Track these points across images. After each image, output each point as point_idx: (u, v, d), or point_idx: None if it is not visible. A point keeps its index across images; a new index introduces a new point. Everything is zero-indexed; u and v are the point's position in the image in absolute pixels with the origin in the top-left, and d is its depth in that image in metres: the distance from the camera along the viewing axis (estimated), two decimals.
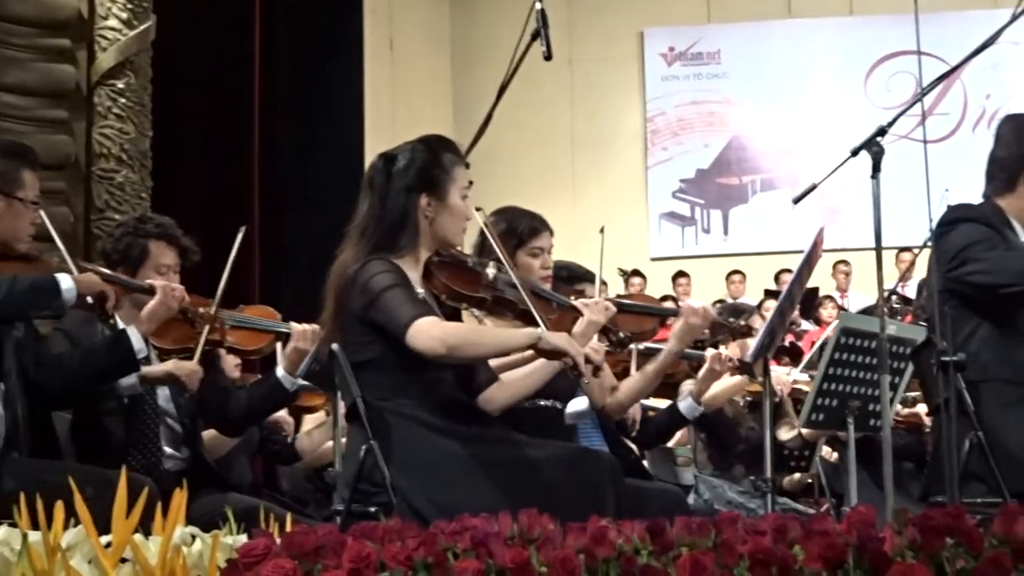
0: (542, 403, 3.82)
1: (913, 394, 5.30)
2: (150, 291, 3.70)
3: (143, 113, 6.78)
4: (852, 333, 4.12)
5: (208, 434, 4.27)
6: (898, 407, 5.28)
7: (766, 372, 4.03)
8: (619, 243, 10.91)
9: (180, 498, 2.22)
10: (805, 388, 5.15)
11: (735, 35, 14.23)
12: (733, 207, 14.20)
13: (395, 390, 3.15)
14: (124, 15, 6.70)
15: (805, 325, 11.38)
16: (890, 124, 3.37)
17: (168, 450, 3.88)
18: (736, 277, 12.76)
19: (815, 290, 11.58)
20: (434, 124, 8.77)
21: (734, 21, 14.17)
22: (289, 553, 1.94)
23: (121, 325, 3.72)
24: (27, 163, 3.59)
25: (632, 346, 4.22)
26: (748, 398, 5.45)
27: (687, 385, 4.66)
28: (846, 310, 10.52)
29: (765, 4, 14.20)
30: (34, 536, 2.10)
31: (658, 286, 12.08)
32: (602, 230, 4.41)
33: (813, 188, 3.53)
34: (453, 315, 3.41)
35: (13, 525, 2.15)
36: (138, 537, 2.15)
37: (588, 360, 3.07)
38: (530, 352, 3.19)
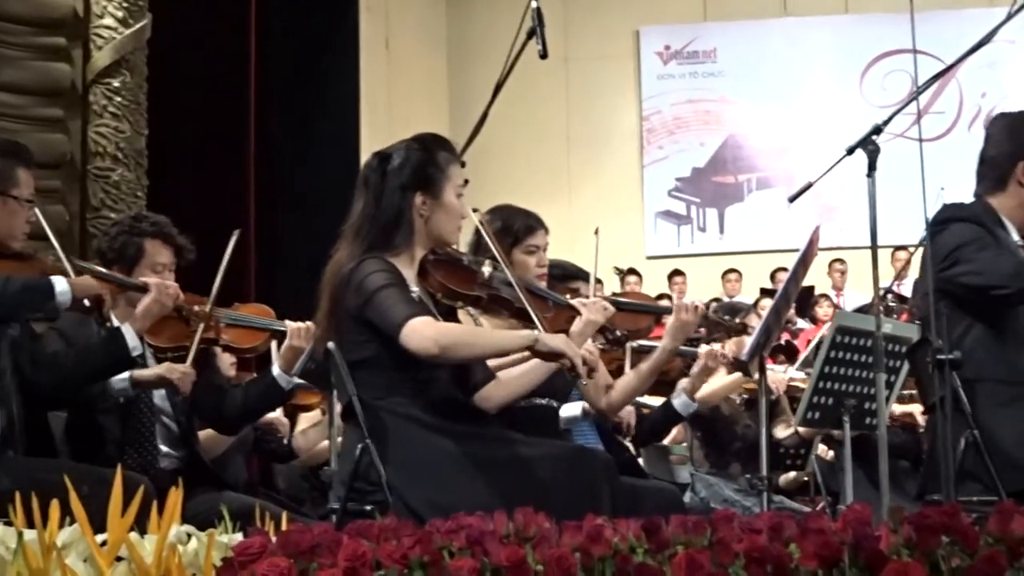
0: (538, 402, 3.82)
1: (910, 392, 5.30)
2: (145, 289, 3.69)
3: (139, 111, 6.78)
4: (848, 331, 4.12)
5: (205, 434, 4.26)
6: (894, 407, 5.28)
7: (762, 370, 4.03)
8: (615, 242, 10.92)
9: (176, 497, 2.22)
10: (802, 386, 5.16)
11: (731, 34, 14.23)
12: (729, 206, 14.20)
13: (390, 389, 3.15)
14: (119, 13, 6.70)
15: (801, 323, 11.39)
16: (886, 122, 3.37)
17: (164, 449, 3.87)
18: (732, 276, 12.77)
19: (811, 288, 11.58)
20: (430, 123, 8.76)
21: (730, 19, 14.16)
22: (285, 552, 1.94)
23: (116, 323, 3.72)
24: (22, 161, 3.59)
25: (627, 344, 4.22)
26: (745, 396, 5.46)
27: (683, 382, 4.66)
28: (842, 308, 10.52)
29: (761, 3, 14.20)
30: (30, 535, 2.10)
31: (654, 285, 12.07)
32: (597, 232, 4.42)
33: (809, 187, 3.53)
34: (449, 314, 3.40)
35: (9, 524, 2.15)
36: (134, 536, 2.15)
37: (583, 361, 3.08)
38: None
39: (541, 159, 13.72)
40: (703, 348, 4.51)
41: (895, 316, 7.12)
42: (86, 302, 3.45)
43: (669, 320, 4.03)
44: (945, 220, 3.70)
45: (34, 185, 3.63)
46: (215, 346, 4.06)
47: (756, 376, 4.09)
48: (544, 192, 12.08)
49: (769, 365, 4.59)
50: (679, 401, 4.57)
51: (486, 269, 3.42)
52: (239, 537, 2.20)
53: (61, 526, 2.13)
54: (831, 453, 5.96)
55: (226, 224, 4.07)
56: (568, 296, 3.75)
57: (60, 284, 3.39)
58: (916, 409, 5.39)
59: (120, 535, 2.12)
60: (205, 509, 3.31)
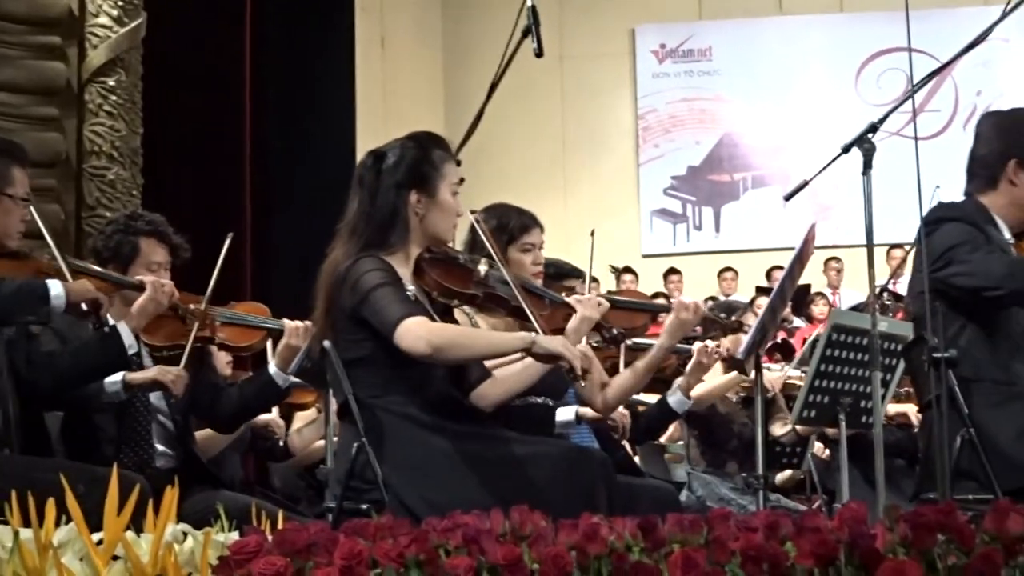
0: (533, 400, 3.82)
1: (906, 390, 5.31)
2: (140, 287, 3.69)
3: (134, 110, 6.77)
4: (843, 330, 4.13)
5: (203, 434, 4.26)
6: (889, 407, 5.29)
7: (758, 369, 4.03)
8: (611, 240, 10.91)
9: (172, 495, 2.22)
10: (798, 384, 5.16)
11: (726, 32, 14.24)
12: (725, 204, 14.21)
13: (386, 387, 3.15)
14: (115, 12, 6.68)
15: (797, 322, 11.39)
16: (881, 121, 3.37)
17: (160, 447, 3.87)
18: (728, 274, 12.78)
19: (807, 287, 11.59)
20: (426, 122, 8.75)
21: (725, 18, 14.18)
22: (281, 550, 1.94)
23: (112, 322, 3.71)
24: (17, 160, 3.58)
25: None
26: (741, 394, 5.47)
27: (679, 380, 4.66)
28: (838, 307, 10.53)
29: (756, 1, 14.23)
30: (25, 534, 2.10)
31: (650, 283, 12.08)
32: (592, 233, 4.41)
33: (804, 185, 3.53)
34: (445, 312, 3.40)
35: (5, 523, 2.15)
36: (130, 535, 2.14)
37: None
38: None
39: (537, 157, 13.72)
40: (697, 345, 4.51)
41: (891, 314, 7.12)
42: (83, 307, 3.43)
43: (668, 318, 4.03)
44: (938, 220, 3.70)
45: (29, 184, 3.62)
46: (211, 344, 4.06)
47: (752, 374, 4.10)
48: (540, 190, 12.09)
49: (765, 363, 4.59)
50: (674, 399, 4.57)
51: (482, 267, 3.42)
52: (235, 536, 2.20)
53: (57, 525, 2.13)
54: (827, 452, 5.97)
55: (221, 223, 4.08)
56: (564, 295, 3.75)
57: (55, 288, 3.36)
58: (911, 409, 5.40)
59: (116, 534, 2.12)
60: (201, 508, 3.30)
